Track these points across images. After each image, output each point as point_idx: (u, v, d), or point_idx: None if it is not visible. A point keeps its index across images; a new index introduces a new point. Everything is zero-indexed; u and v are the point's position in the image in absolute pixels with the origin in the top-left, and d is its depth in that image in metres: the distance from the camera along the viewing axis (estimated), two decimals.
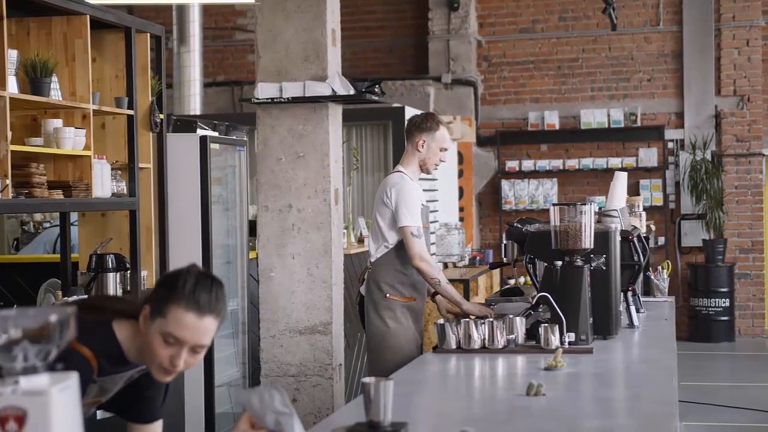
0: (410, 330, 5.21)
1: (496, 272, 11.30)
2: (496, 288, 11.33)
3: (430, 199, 10.11)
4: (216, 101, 12.99)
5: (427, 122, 5.30)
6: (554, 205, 4.44)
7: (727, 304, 12.15)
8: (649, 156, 12.55)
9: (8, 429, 1.68)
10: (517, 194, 12.86)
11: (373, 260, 5.30)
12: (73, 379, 1.77)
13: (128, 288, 5.52)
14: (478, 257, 10.99)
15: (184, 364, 2.57)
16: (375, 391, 2.73)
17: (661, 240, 12.49)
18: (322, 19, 6.06)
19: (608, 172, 12.51)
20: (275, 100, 5.96)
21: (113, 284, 5.35)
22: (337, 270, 6.16)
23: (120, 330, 2.65)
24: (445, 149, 5.33)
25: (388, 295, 5.20)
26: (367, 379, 2.74)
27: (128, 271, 5.50)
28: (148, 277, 5.77)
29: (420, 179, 9.20)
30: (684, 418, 7.86)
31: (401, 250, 5.18)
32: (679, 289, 12.52)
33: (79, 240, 5.71)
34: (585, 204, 4.41)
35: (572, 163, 12.70)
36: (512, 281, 12.34)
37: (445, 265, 10.22)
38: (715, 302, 12.13)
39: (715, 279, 12.16)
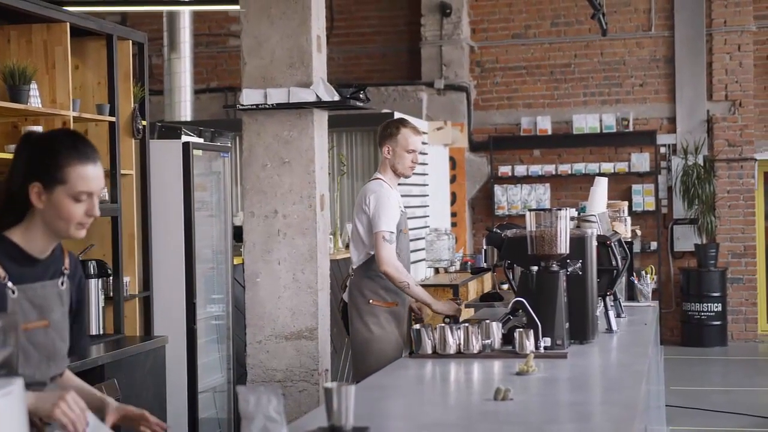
0: (393, 335, 5.27)
1: (488, 277, 11.31)
2: None
3: (421, 204, 10.16)
4: (209, 107, 13.02)
5: (387, 129, 5.42)
6: (530, 210, 4.45)
7: (720, 308, 12.16)
8: (641, 161, 12.57)
9: None
10: (510, 199, 12.88)
11: (355, 266, 5.38)
12: (16, 385, 1.79)
13: (111, 294, 5.53)
14: (469, 262, 10.99)
15: (97, 213, 2.69)
16: (336, 396, 2.75)
17: (654, 245, 12.50)
18: (307, 25, 6.08)
19: (595, 178, 12.47)
20: (260, 106, 5.99)
21: (95, 290, 5.36)
22: (322, 275, 6.18)
23: (11, 234, 2.67)
24: (413, 151, 5.39)
25: (371, 301, 5.28)
26: (328, 384, 2.77)
27: (110, 278, 5.51)
28: (131, 283, 5.79)
29: (409, 184, 9.23)
30: (673, 422, 7.87)
31: None
32: (671, 294, 12.54)
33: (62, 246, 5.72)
34: (561, 209, 4.42)
35: (565, 168, 12.72)
36: (506, 286, 12.35)
37: (436, 271, 10.24)
38: (708, 307, 12.14)
39: (707, 283, 12.17)
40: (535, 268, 4.40)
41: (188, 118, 10.51)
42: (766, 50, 12.62)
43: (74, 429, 2.44)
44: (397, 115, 9.96)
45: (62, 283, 2.76)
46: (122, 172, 5.65)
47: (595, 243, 4.68)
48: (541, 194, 12.80)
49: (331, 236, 8.03)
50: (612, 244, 5.01)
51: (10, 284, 2.61)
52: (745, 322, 12.53)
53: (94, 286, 5.38)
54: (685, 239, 12.50)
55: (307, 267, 6.07)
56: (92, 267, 5.36)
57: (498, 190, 12.88)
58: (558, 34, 12.97)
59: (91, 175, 2.66)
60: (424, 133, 9.39)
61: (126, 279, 5.68)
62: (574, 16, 12.88)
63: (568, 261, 4.47)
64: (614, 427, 2.92)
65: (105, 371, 4.85)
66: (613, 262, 4.99)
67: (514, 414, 3.12)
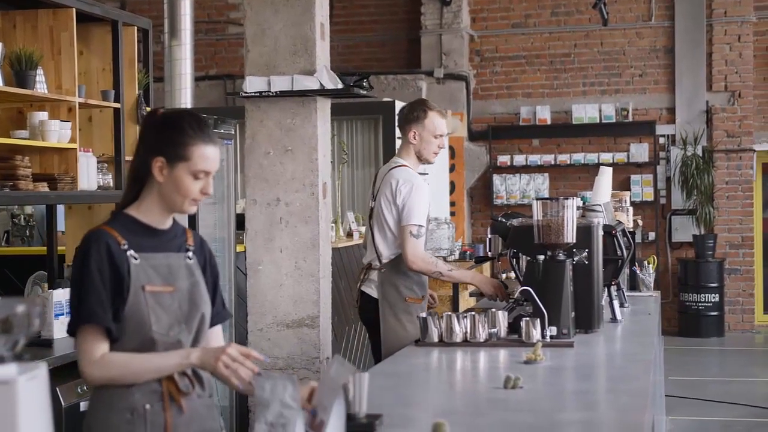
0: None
1: (487, 266, 11.33)
2: None
3: None
4: (208, 95, 13.00)
5: (413, 112, 5.17)
6: (537, 199, 4.44)
7: (717, 299, 12.19)
8: (640, 151, 12.58)
9: None
10: (508, 189, 12.89)
11: (385, 260, 5.13)
12: (41, 369, 1.79)
13: None
14: (468, 251, 11.01)
15: (210, 192, 2.85)
16: (351, 384, 2.75)
17: (652, 235, 12.52)
18: (311, 12, 6.08)
19: (599, 168, 12.50)
20: (263, 93, 5.98)
21: None
22: (324, 264, 6.18)
23: (131, 211, 2.85)
24: (440, 135, 5.16)
25: (407, 298, 5.08)
26: None
27: None
28: None
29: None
30: (672, 412, 7.89)
31: None
32: (669, 284, 12.56)
33: (66, 233, 5.72)
34: (567, 199, 4.42)
35: (564, 158, 12.73)
36: (504, 276, 12.37)
37: None
38: (705, 297, 12.16)
39: (705, 274, 12.19)
40: (542, 257, 4.39)
41: (188, 106, 10.43)
42: (766, 41, 12.62)
43: (237, 379, 2.65)
44: (399, 104, 9.95)
45: (188, 258, 2.90)
46: (127, 158, 5.64)
47: (601, 232, 4.68)
48: (540, 184, 12.81)
49: (333, 225, 8.03)
50: (617, 233, 5.01)
51: (131, 252, 2.77)
52: (742, 313, 12.56)
53: None
54: (684, 230, 12.52)
55: (310, 255, 6.08)
56: None
57: (497, 179, 12.88)
58: (558, 23, 12.96)
59: (211, 156, 2.81)
60: None
61: None
62: (574, 5, 12.86)
63: (574, 250, 4.47)
64: (625, 416, 2.93)
65: None
66: (618, 252, 5.00)
67: (525, 402, 3.13)
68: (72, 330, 2.77)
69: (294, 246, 6.05)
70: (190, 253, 2.92)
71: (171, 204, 2.82)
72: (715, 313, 12.21)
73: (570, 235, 4.39)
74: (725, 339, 12.18)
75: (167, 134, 2.81)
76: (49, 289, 5.21)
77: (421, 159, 5.21)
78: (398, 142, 9.79)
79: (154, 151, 2.81)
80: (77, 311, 2.74)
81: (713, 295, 12.17)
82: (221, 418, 3.01)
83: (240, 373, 2.66)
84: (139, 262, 2.78)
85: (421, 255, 4.96)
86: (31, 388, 1.75)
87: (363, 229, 8.37)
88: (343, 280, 7.17)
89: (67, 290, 5.09)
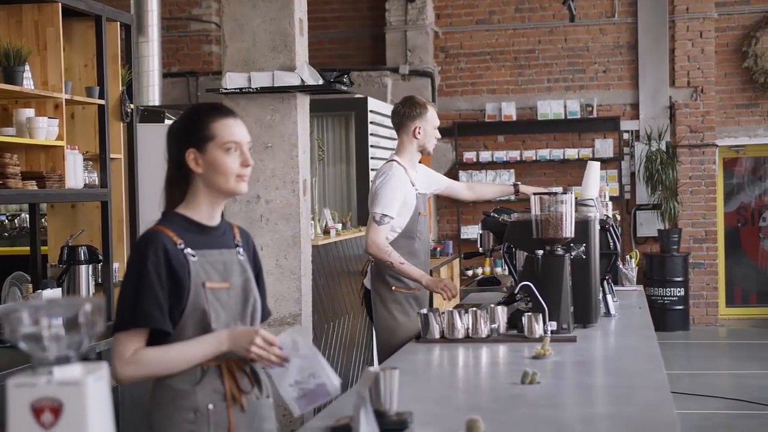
0: (417, 320, 5.14)
1: (456, 263, 11.35)
2: (457, 279, 11.38)
3: None
4: (171, 92, 12.85)
5: (415, 109, 5.29)
6: (535, 194, 4.44)
7: (682, 293, 12.30)
8: (605, 147, 12.65)
9: (44, 420, 1.65)
10: None
11: None
12: (104, 368, 1.74)
13: (100, 280, 5.44)
14: (438, 248, 11.01)
15: (251, 162, 2.83)
16: (382, 381, 2.73)
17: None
18: (290, 8, 6.04)
19: (565, 163, 12.61)
20: (243, 90, 5.93)
21: (85, 276, 5.27)
22: (305, 261, 6.14)
23: (181, 209, 2.83)
24: (437, 126, 5.38)
25: (394, 288, 5.18)
26: (373, 368, 2.74)
27: (100, 264, 5.41)
28: (120, 269, 5.70)
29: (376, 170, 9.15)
30: None
31: (402, 240, 5.15)
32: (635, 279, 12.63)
33: (49, 232, 5.62)
34: (565, 193, 4.42)
35: (529, 154, 12.76)
36: (470, 272, 12.40)
37: None
38: (670, 291, 12.26)
39: (669, 268, 12.29)
40: (541, 252, 4.39)
41: (157, 103, 10.36)
42: (727, 37, 12.76)
43: (270, 364, 2.71)
44: (372, 101, 9.92)
45: (240, 254, 2.89)
46: (111, 156, 5.55)
47: (597, 227, 4.69)
48: (506, 180, 12.83)
49: (311, 222, 7.98)
50: (610, 227, 5.03)
51: (188, 250, 2.76)
52: (707, 307, 12.69)
53: (84, 272, 5.28)
54: (648, 225, 12.62)
55: (291, 252, 6.04)
56: (83, 253, 5.27)
57: (463, 176, 12.88)
58: (522, 20, 12.99)
59: (234, 126, 2.82)
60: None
61: (116, 265, 5.59)
62: (538, 2, 12.91)
63: (571, 245, 4.47)
64: (653, 409, 2.92)
65: (102, 359, 4.77)
66: (612, 246, 5.01)
67: (548, 397, 3.11)
68: (118, 329, 2.74)
69: (275, 244, 6.02)
70: (241, 249, 2.91)
71: (219, 189, 2.80)
72: (680, 307, 12.32)
73: (569, 230, 4.39)
74: (690, 332, 12.29)
75: (187, 126, 2.83)
76: (34, 290, 5.11)
77: (424, 152, 5.36)
78: (372, 139, 9.80)
79: (183, 147, 2.81)
80: (132, 313, 2.70)
81: (678, 289, 12.27)
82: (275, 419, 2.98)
83: (271, 359, 2.71)
84: (197, 259, 2.77)
85: (378, 241, 5.07)
86: (98, 388, 1.71)
87: (339, 226, 8.34)
88: (322, 277, 7.13)
89: (56, 290, 5.02)
